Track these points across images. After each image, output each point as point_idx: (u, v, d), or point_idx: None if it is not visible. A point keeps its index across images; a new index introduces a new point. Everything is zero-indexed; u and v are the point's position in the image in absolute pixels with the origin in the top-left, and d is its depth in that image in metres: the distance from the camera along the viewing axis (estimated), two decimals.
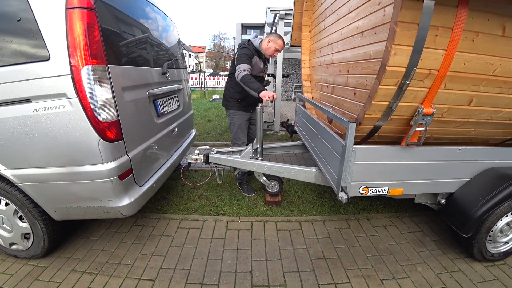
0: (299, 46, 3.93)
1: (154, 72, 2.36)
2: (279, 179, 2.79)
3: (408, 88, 1.64)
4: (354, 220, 2.66)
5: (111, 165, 1.80)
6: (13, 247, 2.14)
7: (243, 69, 2.61)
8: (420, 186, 2.14)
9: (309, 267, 2.09)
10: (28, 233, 2.07)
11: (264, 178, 2.73)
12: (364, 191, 2.10)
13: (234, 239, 2.35)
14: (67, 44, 1.63)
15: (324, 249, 2.28)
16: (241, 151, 2.81)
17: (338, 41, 2.65)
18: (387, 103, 1.76)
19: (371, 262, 2.16)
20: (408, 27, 1.42)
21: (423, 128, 1.85)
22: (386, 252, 2.26)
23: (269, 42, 2.83)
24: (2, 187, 1.93)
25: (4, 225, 2.10)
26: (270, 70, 9.94)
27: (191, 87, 18.60)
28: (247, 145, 2.97)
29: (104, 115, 1.74)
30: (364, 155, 1.97)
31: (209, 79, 21.90)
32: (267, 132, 5.74)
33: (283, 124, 5.97)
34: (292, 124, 6.10)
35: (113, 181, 1.83)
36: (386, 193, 2.13)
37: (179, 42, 3.22)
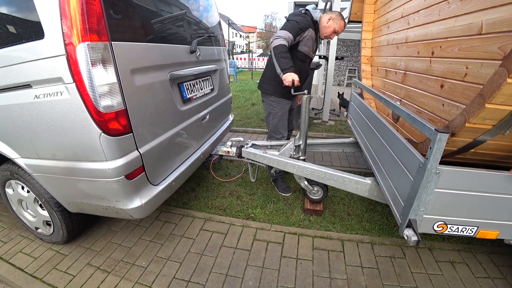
0: (359, 22, 3.01)
1: (179, 50, 1.85)
2: (323, 185, 2.16)
3: None
4: (412, 248, 1.95)
5: (116, 163, 1.40)
6: (39, 230, 1.98)
7: (282, 36, 1.98)
8: None
9: None
10: (49, 221, 1.83)
11: (306, 183, 2.14)
12: (441, 228, 1.38)
13: (261, 254, 1.86)
14: (60, 16, 1.18)
15: (369, 285, 1.65)
16: (281, 146, 2.20)
17: (418, 11, 1.80)
18: (511, 108, 0.99)
19: None
20: None
21: None
22: None
23: (330, 19, 2.13)
24: (21, 174, 1.69)
25: (28, 210, 1.92)
26: (322, 51, 8.74)
27: (238, 68, 17.83)
28: (287, 138, 2.35)
29: (106, 104, 1.31)
30: (452, 180, 1.25)
31: (258, 59, 20.13)
32: (313, 121, 4.93)
33: (339, 95, 5.24)
34: (345, 99, 5.28)
35: (119, 182, 1.44)
36: (472, 234, 1.40)
37: (219, 22, 2.62)
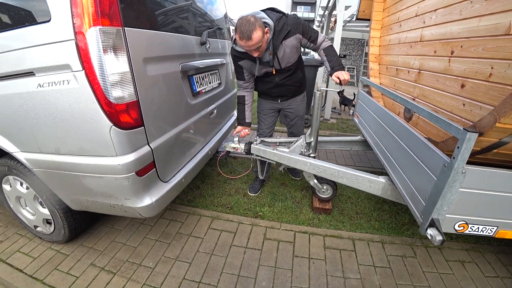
0: (367, 20, 2.97)
1: (191, 41, 1.74)
2: (333, 183, 2.11)
3: None
4: (422, 247, 1.91)
5: (127, 158, 1.30)
6: (38, 229, 1.84)
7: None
8: None
9: None
10: (50, 219, 1.71)
11: (315, 181, 2.07)
12: (462, 228, 1.35)
13: (272, 253, 1.79)
14: None
15: (383, 284, 1.61)
16: (290, 142, 2.12)
17: (435, 10, 1.75)
18: None
19: None
20: None
21: None
22: None
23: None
24: (20, 170, 1.56)
25: (27, 208, 1.78)
26: None
27: None
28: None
29: (118, 95, 1.21)
30: (477, 180, 1.20)
31: None
32: None
33: (339, 93, 5.17)
34: (346, 97, 5.24)
35: (130, 179, 1.33)
36: (492, 234, 1.37)
37: (225, 15, 2.52)
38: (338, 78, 1.74)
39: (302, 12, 15.54)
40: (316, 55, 4.38)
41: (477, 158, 1.45)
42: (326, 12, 6.23)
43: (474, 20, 1.37)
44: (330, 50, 1.85)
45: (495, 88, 1.22)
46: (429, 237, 1.27)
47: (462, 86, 1.45)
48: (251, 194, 2.40)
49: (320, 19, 8.47)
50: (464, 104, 1.44)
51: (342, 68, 1.81)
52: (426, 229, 1.32)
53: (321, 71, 5.02)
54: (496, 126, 1.09)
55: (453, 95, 1.53)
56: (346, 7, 4.18)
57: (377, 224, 2.08)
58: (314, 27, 12.07)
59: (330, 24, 6.24)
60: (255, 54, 1.67)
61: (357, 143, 2.41)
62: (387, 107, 2.43)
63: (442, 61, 1.66)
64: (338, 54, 1.88)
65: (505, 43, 1.14)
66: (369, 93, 2.53)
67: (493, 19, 1.23)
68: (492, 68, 1.22)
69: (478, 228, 1.36)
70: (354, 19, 3.06)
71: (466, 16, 1.44)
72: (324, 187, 2.11)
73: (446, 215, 1.30)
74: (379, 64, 2.64)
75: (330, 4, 5.57)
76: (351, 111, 5.32)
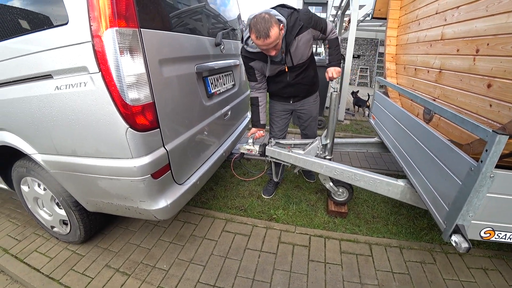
0: (383, 19, 2.89)
1: (205, 42, 1.74)
2: (349, 186, 2.06)
3: None
4: (441, 254, 1.84)
5: (143, 161, 1.29)
6: (54, 229, 1.87)
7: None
8: None
9: None
10: (66, 220, 1.73)
11: (331, 184, 2.02)
12: (488, 235, 1.29)
13: (287, 257, 1.76)
14: (86, 1, 1.07)
15: None
16: (305, 144, 2.08)
17: (458, 7, 1.69)
18: None
19: None
20: None
21: None
22: None
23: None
24: (38, 171, 1.59)
25: (44, 208, 1.81)
26: None
27: None
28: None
29: (134, 96, 1.21)
30: (506, 185, 1.14)
31: None
32: None
33: (353, 94, 5.09)
34: (360, 98, 5.17)
35: (145, 181, 1.33)
36: None
37: (239, 16, 2.51)
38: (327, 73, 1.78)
39: (314, 12, 15.46)
40: None
41: (504, 162, 1.39)
42: (339, 12, 6.13)
43: (503, 16, 1.31)
44: (334, 42, 1.84)
45: None
46: (454, 244, 1.22)
47: (489, 86, 1.38)
48: (265, 197, 2.37)
49: (332, 19, 8.37)
50: (491, 105, 1.37)
51: (337, 65, 1.82)
52: (450, 236, 1.26)
53: None
54: None
55: (479, 95, 1.47)
56: (360, 6, 4.10)
57: (394, 229, 2.02)
58: None
59: (344, 24, 6.15)
60: (272, 53, 1.61)
61: (373, 145, 2.35)
62: (405, 108, 2.36)
63: (466, 60, 1.59)
64: (340, 48, 1.87)
65: None
66: (385, 93, 2.47)
67: None
68: None
69: (506, 235, 1.30)
70: (369, 18, 2.99)
71: (493, 12, 1.38)
72: (340, 190, 2.06)
73: (472, 221, 1.24)
74: (396, 64, 2.57)
75: (343, 4, 5.49)
76: (366, 112, 5.22)
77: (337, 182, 2.03)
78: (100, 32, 1.09)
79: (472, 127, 1.16)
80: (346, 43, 4.21)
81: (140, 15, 1.17)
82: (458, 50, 1.67)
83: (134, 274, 1.64)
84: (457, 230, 1.25)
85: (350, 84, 11.11)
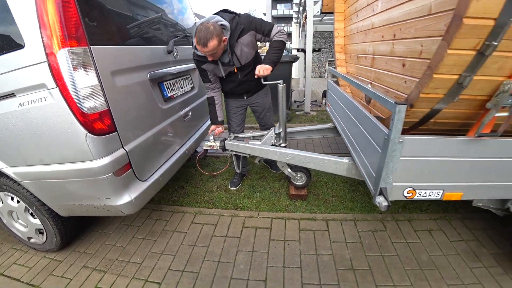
0: (331, 13, 3.17)
1: (156, 51, 1.94)
2: (306, 170, 2.30)
3: (494, 53, 1.00)
4: (392, 221, 2.09)
5: (104, 161, 1.48)
6: (31, 240, 2.01)
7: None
8: (489, 190, 1.52)
9: (333, 279, 1.65)
10: (42, 229, 1.88)
11: (289, 170, 2.26)
12: (410, 194, 1.53)
13: (250, 239, 1.97)
14: (39, 26, 1.26)
15: (353, 257, 1.79)
16: (262, 136, 2.31)
17: None
18: (456, 76, 1.15)
19: (410, 278, 1.65)
20: None
21: (507, 114, 1.20)
22: (430, 265, 1.72)
23: None
24: (10, 185, 1.74)
25: (19, 221, 1.95)
26: (300, 45, 8.87)
27: None
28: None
29: (90, 105, 1.40)
30: (415, 148, 1.38)
31: None
32: (296, 113, 5.07)
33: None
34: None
35: (108, 179, 1.52)
36: (439, 197, 1.54)
37: (195, 24, 2.73)
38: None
39: (283, 10, 15.89)
40: (293, 51, 4.58)
41: (420, 130, 1.64)
42: (301, 8, 6.48)
43: (408, 4, 1.56)
44: (274, 44, 1.97)
45: (425, 63, 1.39)
46: (378, 205, 1.44)
47: (403, 65, 1.63)
48: (232, 189, 2.58)
49: (296, 16, 8.75)
50: (405, 82, 1.62)
51: (269, 63, 1.92)
52: (376, 199, 1.50)
53: (295, 66, 5.19)
54: (420, 97, 1.28)
55: (398, 74, 1.71)
56: (315, 2, 4.41)
57: (350, 205, 2.27)
58: (292, 23, 12.16)
59: (302, 20, 6.51)
60: (210, 59, 1.87)
61: (328, 130, 2.60)
62: (354, 93, 2.62)
63: (388, 44, 1.84)
64: (281, 49, 2.00)
65: (429, 22, 1.32)
66: (337, 82, 2.73)
67: (420, 1, 1.43)
68: (422, 46, 1.40)
69: (426, 193, 1.53)
70: (319, 13, 3.27)
71: (402, 1, 1.64)
72: (298, 175, 2.29)
73: (393, 184, 1.47)
74: (345, 54, 2.84)
75: (303, 0, 5.82)
76: (324, 101, 5.53)
77: (295, 168, 2.27)
78: (54, 52, 1.27)
79: (383, 101, 1.41)
80: (305, 38, 4.50)
81: (89, 33, 1.36)
82: (383, 37, 1.92)
83: (110, 270, 1.80)
84: (381, 192, 1.48)
85: (320, 76, 11.52)
